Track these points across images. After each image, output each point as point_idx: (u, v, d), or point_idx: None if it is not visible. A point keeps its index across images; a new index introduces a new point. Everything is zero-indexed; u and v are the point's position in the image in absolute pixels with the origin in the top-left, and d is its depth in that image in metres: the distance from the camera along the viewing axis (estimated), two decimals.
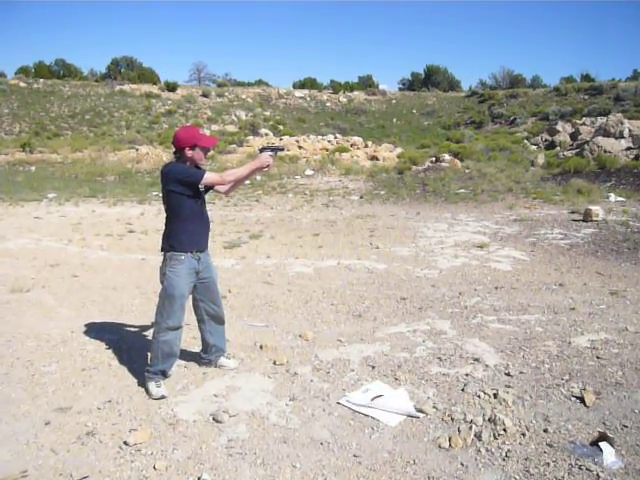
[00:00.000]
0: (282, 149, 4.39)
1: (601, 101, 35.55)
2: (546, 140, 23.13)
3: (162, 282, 3.82)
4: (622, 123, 18.09)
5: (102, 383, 3.93)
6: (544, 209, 11.72)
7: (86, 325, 5.07)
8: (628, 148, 16.92)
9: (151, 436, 3.23)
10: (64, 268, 7.36)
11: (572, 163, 15.77)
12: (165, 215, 3.86)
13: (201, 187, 3.72)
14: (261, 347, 4.58)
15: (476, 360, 4.27)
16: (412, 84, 60.37)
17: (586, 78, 47.04)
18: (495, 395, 3.64)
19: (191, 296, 3.98)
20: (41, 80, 43.49)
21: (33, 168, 20.71)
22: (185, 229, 3.75)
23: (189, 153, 3.70)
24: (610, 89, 38.46)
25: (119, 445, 3.14)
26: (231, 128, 34.38)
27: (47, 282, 6.65)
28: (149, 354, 3.93)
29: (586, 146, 17.40)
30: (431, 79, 58.08)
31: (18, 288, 6.20)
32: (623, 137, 17.55)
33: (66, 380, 3.97)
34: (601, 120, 20.57)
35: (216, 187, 3.95)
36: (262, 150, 3.92)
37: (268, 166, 3.86)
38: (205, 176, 3.67)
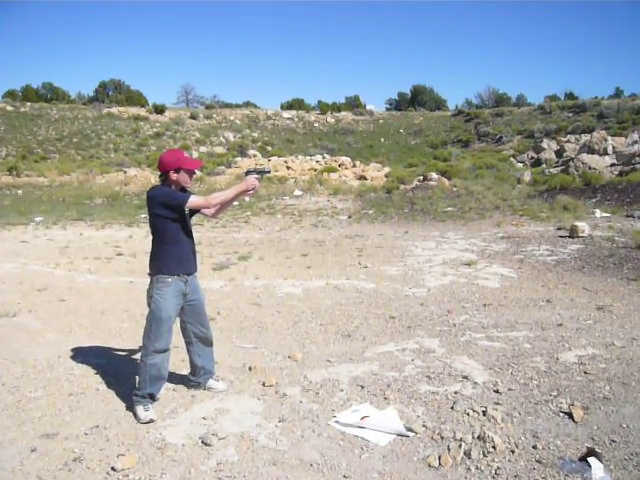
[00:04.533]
0: (268, 172, 4.33)
1: (585, 119, 36.19)
2: (532, 157, 23.43)
3: (149, 305, 3.81)
4: (606, 140, 18.38)
5: (89, 408, 3.89)
6: (531, 226, 11.81)
7: (73, 350, 5.02)
8: (612, 164, 17.16)
9: (139, 461, 3.19)
10: (51, 292, 7.30)
11: (558, 180, 15.95)
12: (151, 238, 3.87)
13: (187, 210, 3.74)
14: (250, 369, 4.56)
15: (465, 378, 4.27)
16: (399, 104, 61.12)
17: (570, 96, 47.87)
18: (484, 412, 3.64)
19: (179, 318, 3.97)
20: (28, 103, 43.71)
21: (20, 191, 20.63)
22: (171, 252, 3.75)
23: (174, 176, 3.72)
24: (593, 107, 39.22)
25: (106, 471, 3.10)
26: (219, 149, 34.61)
27: (34, 306, 6.59)
28: (137, 378, 3.90)
29: (571, 163, 17.63)
30: (417, 99, 58.82)
31: (4, 313, 6.14)
32: (607, 154, 17.82)
33: (53, 406, 3.92)
34: (585, 137, 20.91)
35: (202, 210, 3.95)
36: (248, 173, 3.91)
37: (254, 189, 3.85)
38: (190, 199, 3.67)
